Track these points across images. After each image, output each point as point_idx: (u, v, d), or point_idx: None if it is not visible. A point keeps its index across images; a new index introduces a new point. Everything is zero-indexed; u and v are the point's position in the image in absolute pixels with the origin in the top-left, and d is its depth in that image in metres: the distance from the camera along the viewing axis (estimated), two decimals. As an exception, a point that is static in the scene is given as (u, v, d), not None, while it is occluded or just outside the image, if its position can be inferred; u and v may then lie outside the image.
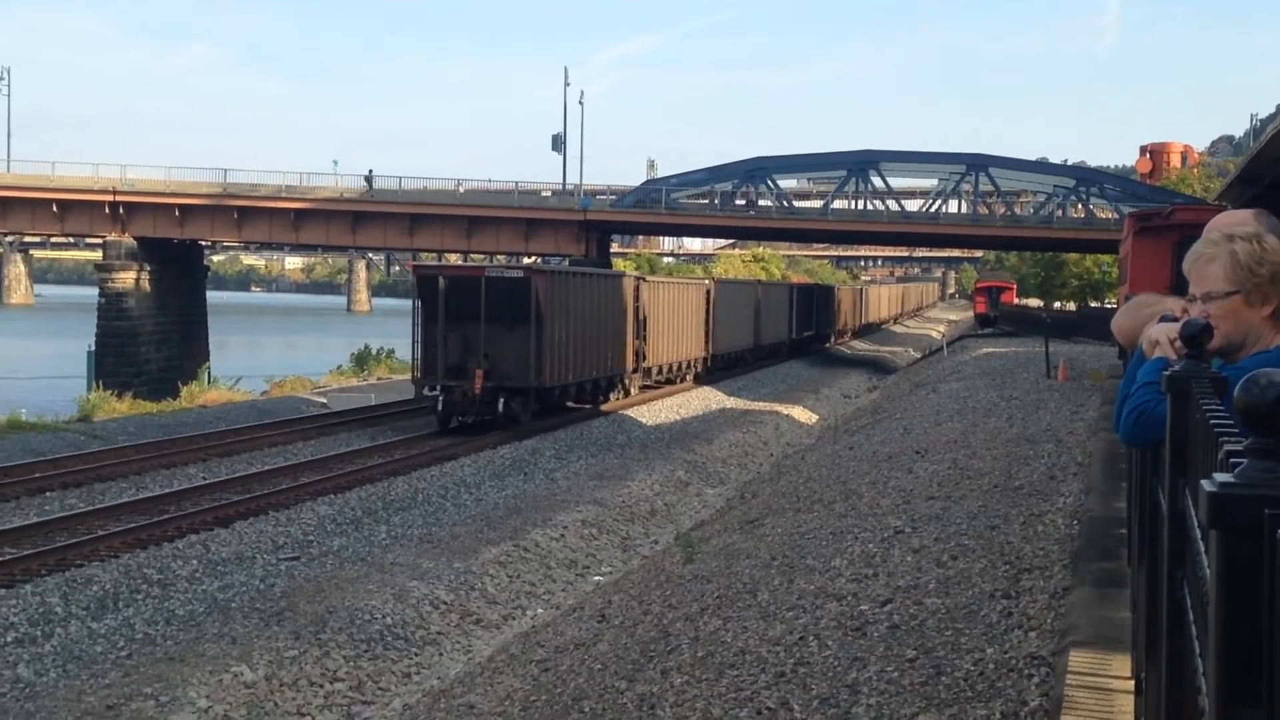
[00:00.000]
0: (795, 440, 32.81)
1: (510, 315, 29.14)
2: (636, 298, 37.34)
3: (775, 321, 57.15)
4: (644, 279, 40.06)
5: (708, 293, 45.73)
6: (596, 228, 66.10)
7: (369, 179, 69.56)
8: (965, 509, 12.78)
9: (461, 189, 71.46)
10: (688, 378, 43.46)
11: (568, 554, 18.98)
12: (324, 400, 36.56)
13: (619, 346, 35.84)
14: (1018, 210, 72.60)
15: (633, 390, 37.74)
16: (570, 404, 33.27)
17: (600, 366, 34.20)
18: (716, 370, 46.55)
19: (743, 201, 67.21)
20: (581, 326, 32.31)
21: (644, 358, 38.28)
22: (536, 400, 30.32)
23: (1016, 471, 14.84)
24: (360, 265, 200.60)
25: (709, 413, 36.21)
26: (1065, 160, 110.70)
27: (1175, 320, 3.58)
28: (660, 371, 40.62)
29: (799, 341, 62.33)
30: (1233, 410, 2.03)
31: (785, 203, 69.90)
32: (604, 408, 33.90)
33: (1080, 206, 67.19)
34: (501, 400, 29.03)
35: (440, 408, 29.15)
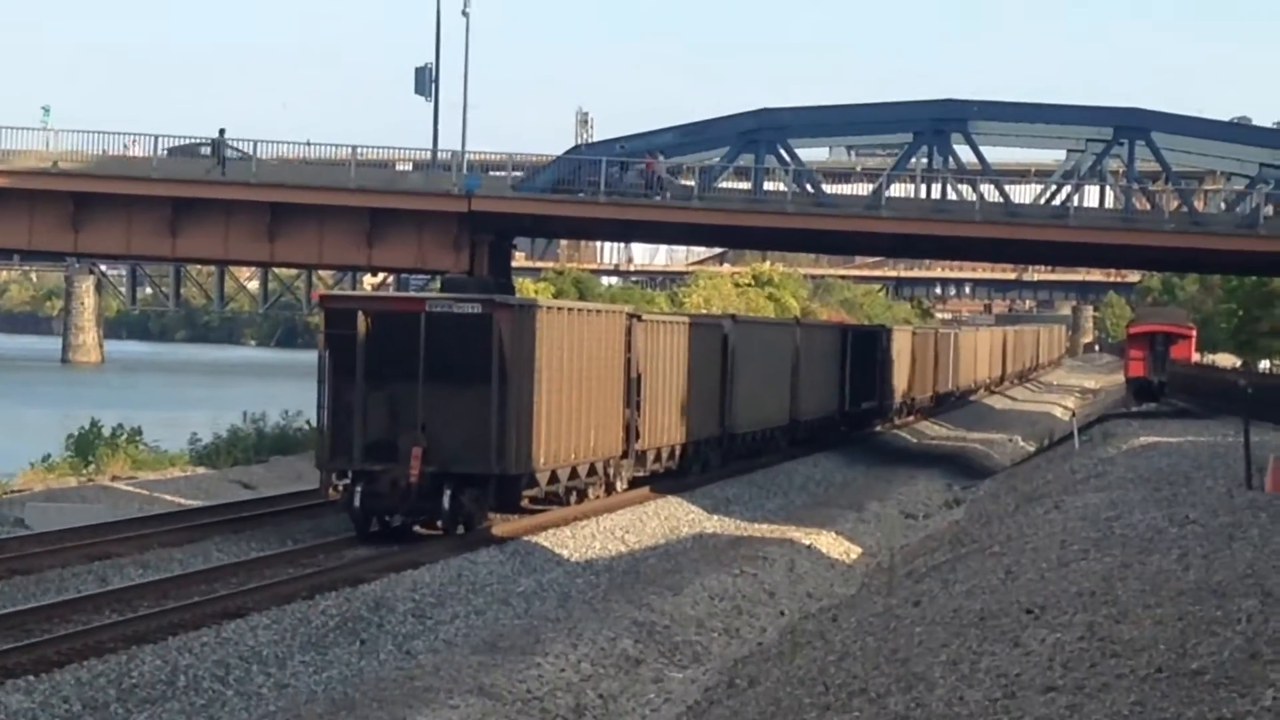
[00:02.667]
0: (821, 589, 25.66)
1: (462, 369, 23.68)
2: (629, 345, 29.59)
3: (820, 384, 44.44)
4: (639, 316, 31.71)
5: (725, 337, 36.14)
6: (488, 224, 45.22)
7: (217, 145, 46.54)
8: (1109, 708, 10.32)
9: (259, 157, 48.98)
10: (694, 469, 34.37)
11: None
12: (21, 516, 27.30)
13: (605, 418, 28.52)
14: (1199, 205, 52.73)
15: (618, 486, 30.03)
16: (530, 504, 26.79)
17: (580, 448, 27.30)
18: (736, 458, 37.42)
19: (745, 184, 47.13)
20: (559, 386, 26.10)
21: (637, 435, 30.12)
22: (497, 494, 24.61)
23: (1195, 646, 11.99)
24: (86, 285, 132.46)
25: (675, 540, 27.99)
26: (1278, 123, 70.77)
27: None
28: (658, 458, 31.90)
29: (855, 416, 48.24)
30: None
31: (808, 185, 47.74)
32: (497, 531, 25.56)
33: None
34: (448, 492, 23.41)
35: (357, 503, 23.38)
